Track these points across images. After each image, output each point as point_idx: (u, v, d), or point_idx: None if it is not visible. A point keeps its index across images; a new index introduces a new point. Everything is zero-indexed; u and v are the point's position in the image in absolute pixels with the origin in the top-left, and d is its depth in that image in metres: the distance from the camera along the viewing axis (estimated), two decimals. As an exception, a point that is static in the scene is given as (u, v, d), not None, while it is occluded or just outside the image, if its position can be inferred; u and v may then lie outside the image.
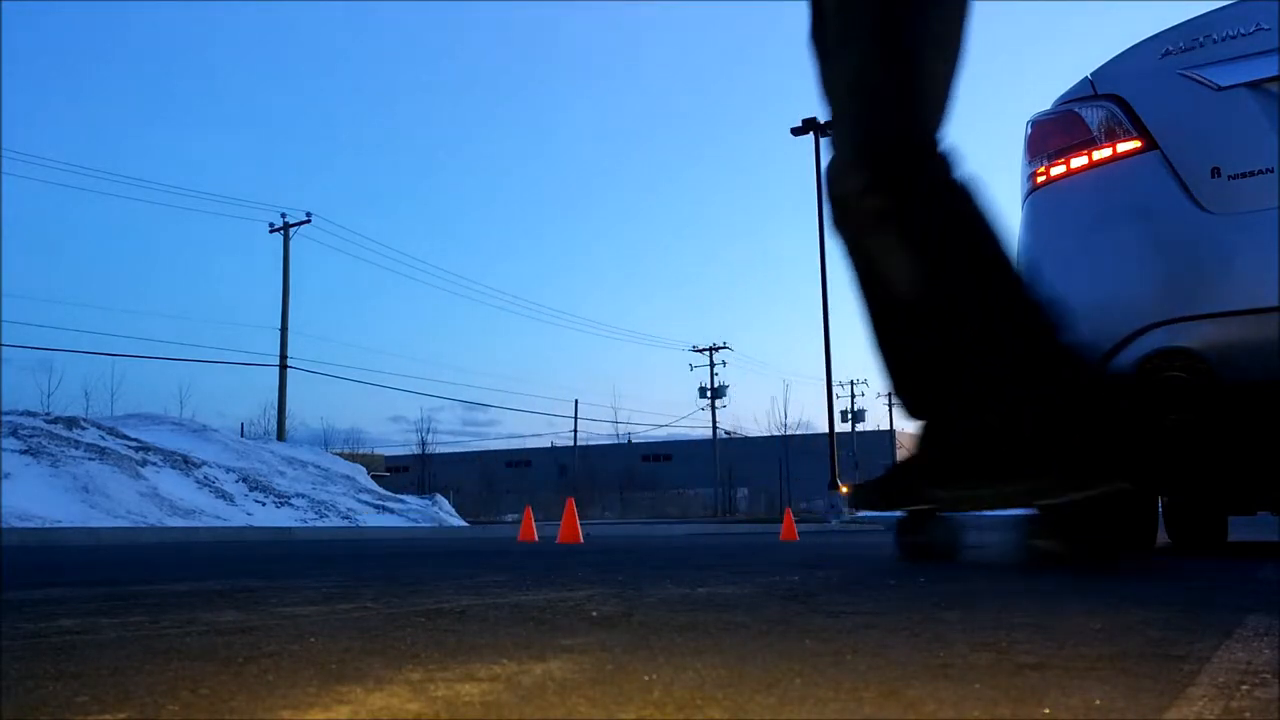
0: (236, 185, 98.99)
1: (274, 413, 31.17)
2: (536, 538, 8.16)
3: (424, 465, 55.18)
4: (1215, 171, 2.89)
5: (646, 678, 0.99)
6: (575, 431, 53.49)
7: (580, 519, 7.46)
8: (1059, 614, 1.57)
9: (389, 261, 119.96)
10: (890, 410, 69.06)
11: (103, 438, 13.58)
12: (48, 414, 14.78)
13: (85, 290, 78.78)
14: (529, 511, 8.67)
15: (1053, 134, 3.30)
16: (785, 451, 54.46)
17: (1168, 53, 3.10)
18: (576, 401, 54.12)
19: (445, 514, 17.38)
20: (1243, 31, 2.96)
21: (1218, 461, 3.22)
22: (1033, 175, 3.35)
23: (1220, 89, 2.95)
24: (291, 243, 31.61)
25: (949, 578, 2.45)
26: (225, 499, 13.26)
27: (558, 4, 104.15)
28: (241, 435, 25.06)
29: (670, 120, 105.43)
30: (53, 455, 11.91)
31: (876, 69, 2.89)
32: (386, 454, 58.89)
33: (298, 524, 12.57)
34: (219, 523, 11.87)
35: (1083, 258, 3.11)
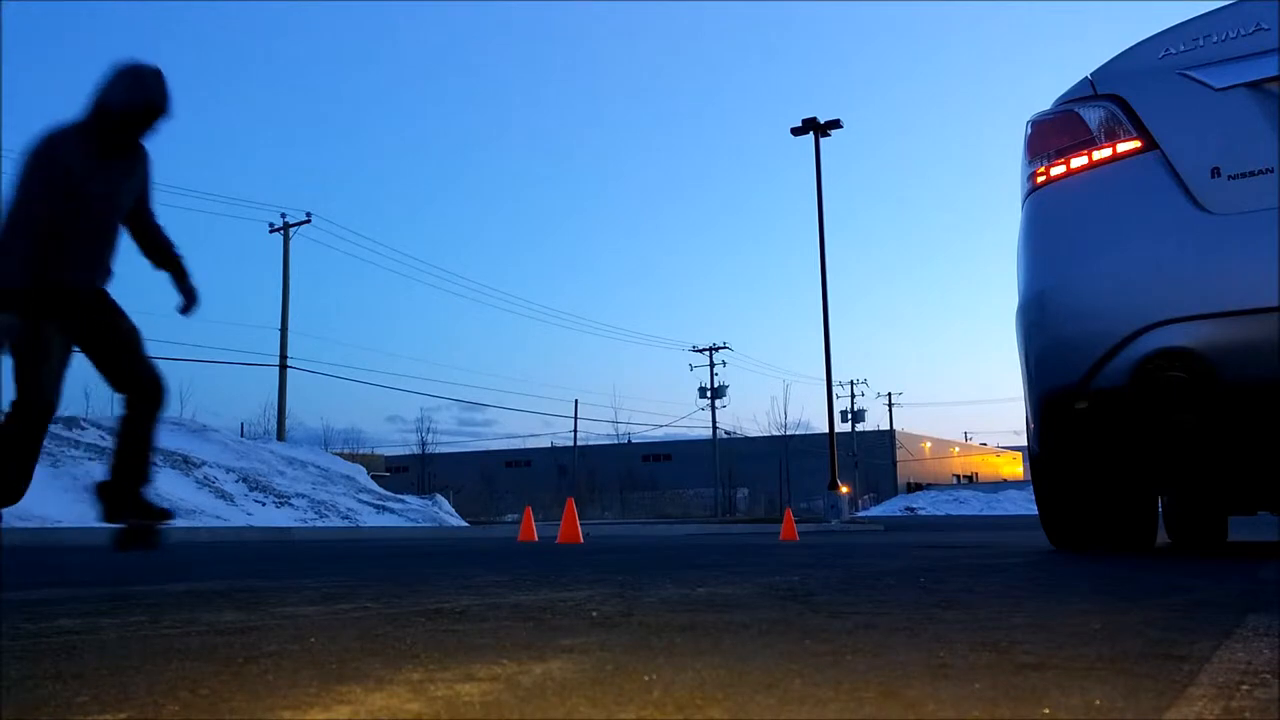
0: (236, 185, 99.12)
1: (274, 413, 31.17)
2: (536, 538, 8.15)
3: (424, 465, 55.20)
4: (1215, 171, 2.89)
5: (646, 678, 0.99)
6: (575, 431, 53.45)
7: (580, 519, 7.46)
8: (1059, 614, 1.57)
9: (389, 261, 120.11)
10: (890, 410, 69.12)
11: (103, 438, 13.57)
12: (48, 414, 14.76)
13: (85, 290, 78.66)
14: (529, 512, 8.67)
15: (1053, 134, 3.29)
16: (785, 451, 54.47)
17: (1168, 53, 3.10)
18: (576, 401, 54.09)
19: (445, 514, 17.37)
20: (1242, 32, 2.96)
21: (1218, 461, 3.22)
22: (1033, 175, 3.35)
23: (1220, 89, 2.95)
24: (292, 243, 31.63)
25: (949, 578, 2.46)
26: (225, 499, 13.26)
27: (561, 5, 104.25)
28: (241, 435, 25.05)
29: (671, 121, 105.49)
30: (53, 455, 11.90)
31: None
32: (386, 454, 58.90)
33: (298, 524, 12.57)
34: (219, 523, 11.87)
35: (1083, 258, 3.10)
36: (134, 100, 4.04)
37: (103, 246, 4.25)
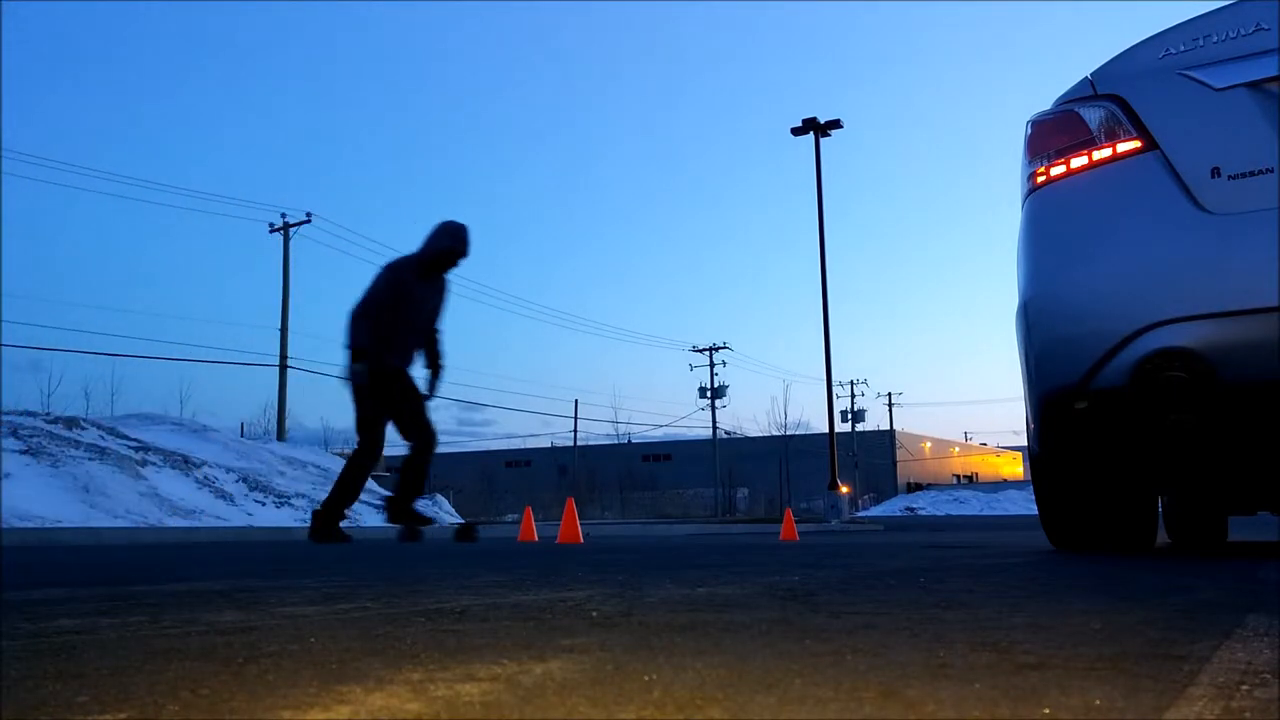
0: (236, 185, 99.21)
1: (274, 413, 31.17)
2: (536, 538, 8.15)
3: (424, 465, 55.04)
4: (1215, 171, 2.89)
5: (646, 678, 0.99)
6: (575, 431, 53.44)
7: (580, 519, 7.46)
8: (1059, 614, 1.57)
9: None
10: (890, 410, 69.10)
11: (103, 438, 13.56)
12: (48, 414, 14.74)
13: (85, 290, 78.86)
14: (529, 511, 8.66)
15: (1053, 134, 3.29)
16: (785, 451, 54.46)
17: (1168, 53, 3.10)
18: (576, 401, 54.06)
19: (445, 514, 17.34)
20: (1242, 32, 2.96)
21: (1218, 461, 3.22)
22: (1033, 175, 3.35)
23: (1220, 89, 2.95)
24: (291, 243, 31.62)
25: (949, 578, 2.46)
26: (225, 499, 13.24)
27: (560, 5, 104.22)
28: (241, 435, 25.02)
29: (670, 120, 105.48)
30: (53, 455, 11.89)
31: None
32: (386, 454, 58.78)
33: (298, 524, 12.54)
34: (219, 523, 11.86)
35: (1083, 258, 3.11)
36: (450, 247, 6.29)
37: (417, 340, 6.40)
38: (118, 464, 12.51)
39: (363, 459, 6.30)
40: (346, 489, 6.28)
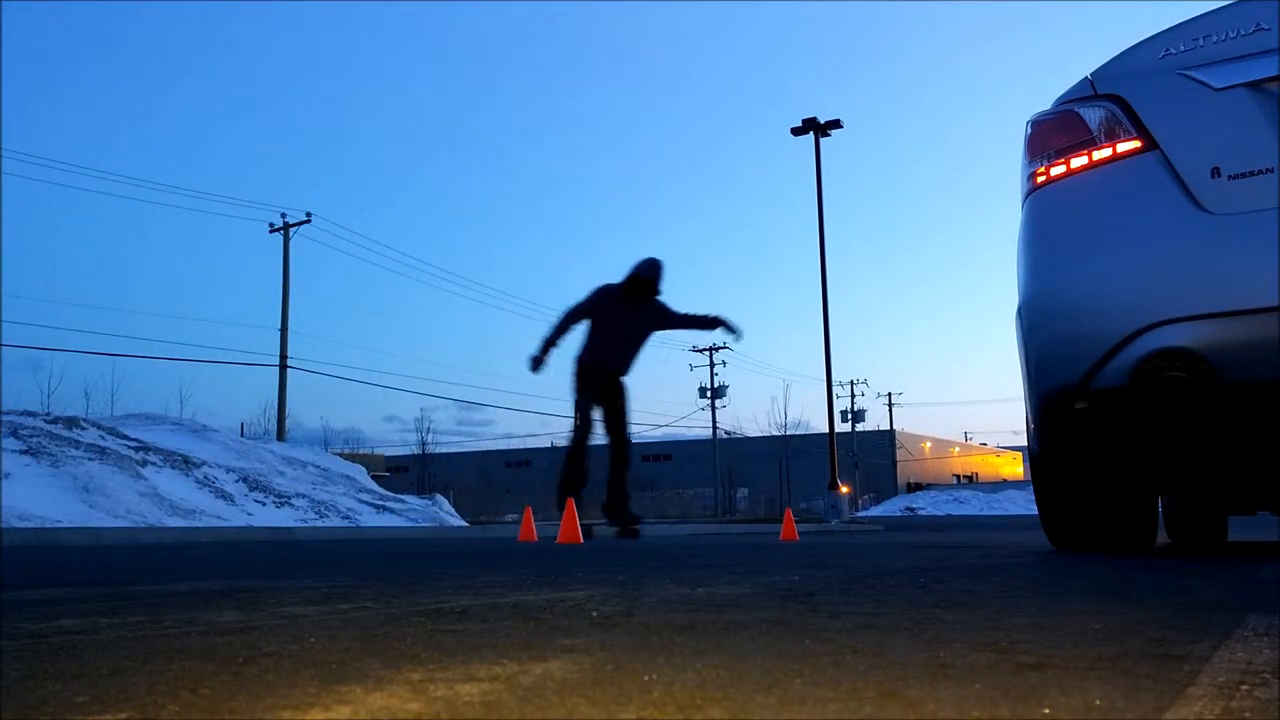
0: (236, 185, 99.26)
1: (274, 413, 31.16)
2: (536, 538, 8.14)
3: (424, 465, 55.12)
4: (1215, 171, 2.89)
5: (646, 678, 0.99)
6: (575, 431, 53.35)
7: (580, 519, 7.45)
8: (1059, 614, 1.57)
9: (389, 261, 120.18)
10: (890, 410, 69.08)
11: (103, 438, 13.56)
12: (48, 414, 14.74)
13: (84, 290, 78.89)
14: (529, 511, 8.64)
15: (1053, 134, 3.29)
16: (785, 451, 54.43)
17: (1168, 53, 3.10)
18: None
19: (445, 514, 17.33)
20: (1242, 31, 2.96)
21: (1218, 461, 3.22)
22: (1033, 175, 3.35)
23: (1220, 89, 2.95)
24: (291, 243, 31.62)
25: (949, 578, 2.46)
26: (225, 499, 13.23)
27: (559, 4, 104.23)
28: (241, 435, 24.99)
29: (668, 118, 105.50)
30: (53, 455, 11.89)
31: None
32: (386, 454, 58.84)
33: (298, 524, 12.54)
34: (219, 523, 11.85)
35: (1083, 258, 3.11)
36: (639, 273, 7.42)
37: (617, 350, 7.42)
38: (118, 464, 12.51)
39: (573, 440, 7.36)
40: (567, 469, 7.36)
